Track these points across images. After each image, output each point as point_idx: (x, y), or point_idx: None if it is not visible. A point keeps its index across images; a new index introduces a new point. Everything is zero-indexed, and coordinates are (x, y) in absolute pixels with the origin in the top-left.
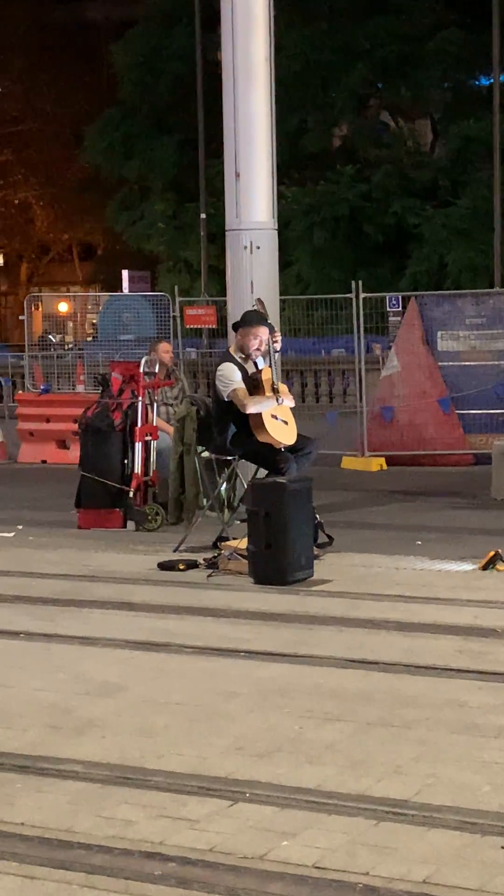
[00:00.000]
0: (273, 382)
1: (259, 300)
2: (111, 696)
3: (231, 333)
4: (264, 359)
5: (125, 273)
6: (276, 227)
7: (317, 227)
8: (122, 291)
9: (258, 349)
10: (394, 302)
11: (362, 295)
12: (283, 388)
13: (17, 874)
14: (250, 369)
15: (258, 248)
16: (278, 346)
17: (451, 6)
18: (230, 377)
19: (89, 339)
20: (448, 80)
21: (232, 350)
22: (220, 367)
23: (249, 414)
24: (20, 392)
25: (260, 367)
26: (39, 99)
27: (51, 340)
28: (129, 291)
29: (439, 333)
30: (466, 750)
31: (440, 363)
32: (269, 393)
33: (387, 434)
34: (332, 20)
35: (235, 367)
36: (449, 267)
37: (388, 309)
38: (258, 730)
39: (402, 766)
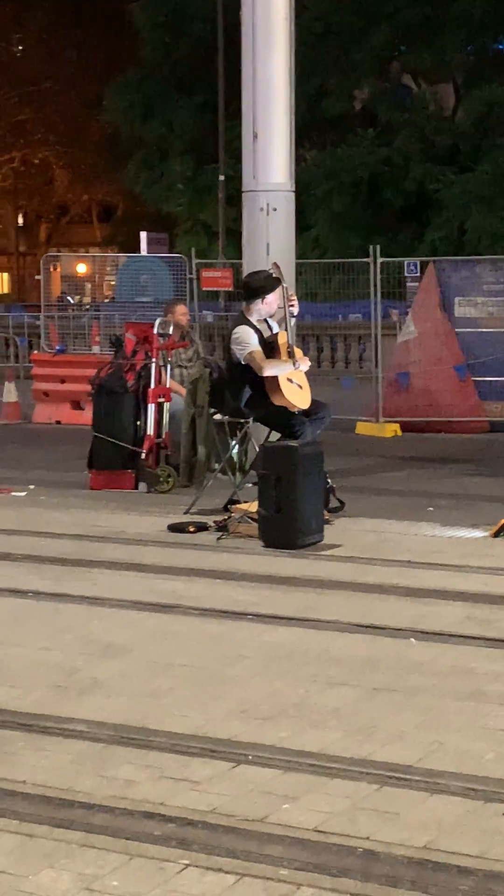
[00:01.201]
0: (289, 346)
1: (275, 264)
2: (117, 658)
3: None
4: (279, 323)
5: (143, 234)
6: (294, 189)
7: (336, 191)
8: (140, 253)
9: (279, 307)
10: (412, 267)
11: (380, 260)
12: (298, 351)
13: (17, 832)
14: (266, 333)
15: (275, 209)
16: (295, 309)
17: None
18: (247, 340)
19: (107, 300)
20: (471, 43)
21: (247, 313)
22: (235, 330)
23: (265, 377)
24: (35, 352)
25: (275, 331)
26: (60, 58)
27: (69, 301)
28: (147, 253)
29: (456, 300)
30: (472, 717)
31: (457, 329)
32: (284, 357)
33: (402, 400)
34: None
35: (252, 330)
36: (468, 233)
37: (406, 274)
38: (263, 693)
39: (406, 732)
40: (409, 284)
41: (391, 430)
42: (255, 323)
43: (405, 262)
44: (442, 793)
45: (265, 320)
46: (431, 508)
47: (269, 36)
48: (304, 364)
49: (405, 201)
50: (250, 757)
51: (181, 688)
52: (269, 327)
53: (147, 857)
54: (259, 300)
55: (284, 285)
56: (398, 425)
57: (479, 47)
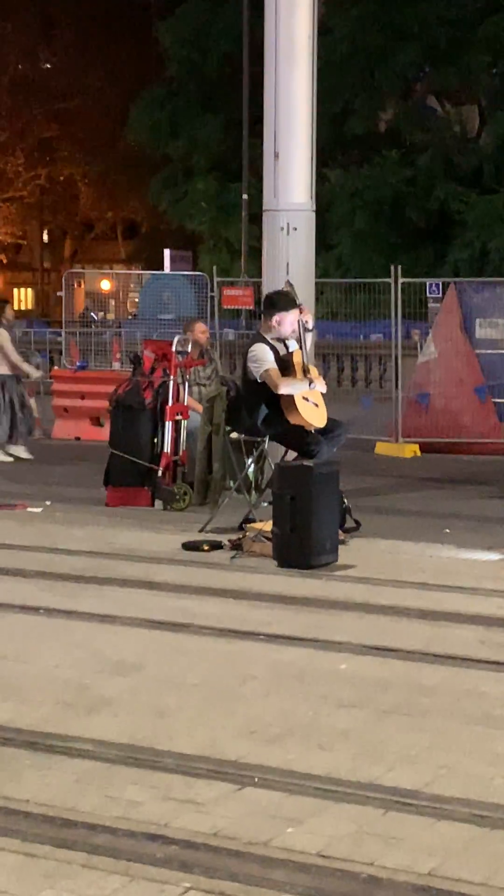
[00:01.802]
0: (304, 365)
1: (289, 282)
2: (127, 675)
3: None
4: (296, 341)
5: (167, 252)
6: (314, 208)
7: (359, 211)
8: (163, 270)
9: (293, 331)
10: (433, 288)
11: (401, 280)
12: (313, 370)
13: (19, 851)
14: (282, 351)
15: (295, 229)
16: (310, 324)
17: None
18: (263, 357)
19: (130, 317)
20: (497, 65)
21: (264, 331)
22: (252, 348)
23: (281, 395)
24: (56, 368)
25: (291, 350)
26: (88, 75)
27: (92, 318)
28: (171, 270)
29: (478, 321)
30: (481, 741)
31: (478, 351)
32: (300, 375)
33: (421, 420)
34: (382, 2)
35: (268, 348)
36: (491, 254)
37: (428, 295)
38: (272, 714)
39: (414, 756)
40: (430, 305)
41: (410, 450)
42: (272, 341)
43: (427, 283)
44: (449, 818)
45: (282, 341)
46: (448, 530)
47: (292, 57)
48: (321, 385)
49: (428, 221)
50: (256, 779)
51: (190, 707)
52: (286, 346)
53: (148, 880)
54: (272, 319)
55: (299, 303)
56: (417, 446)
57: None
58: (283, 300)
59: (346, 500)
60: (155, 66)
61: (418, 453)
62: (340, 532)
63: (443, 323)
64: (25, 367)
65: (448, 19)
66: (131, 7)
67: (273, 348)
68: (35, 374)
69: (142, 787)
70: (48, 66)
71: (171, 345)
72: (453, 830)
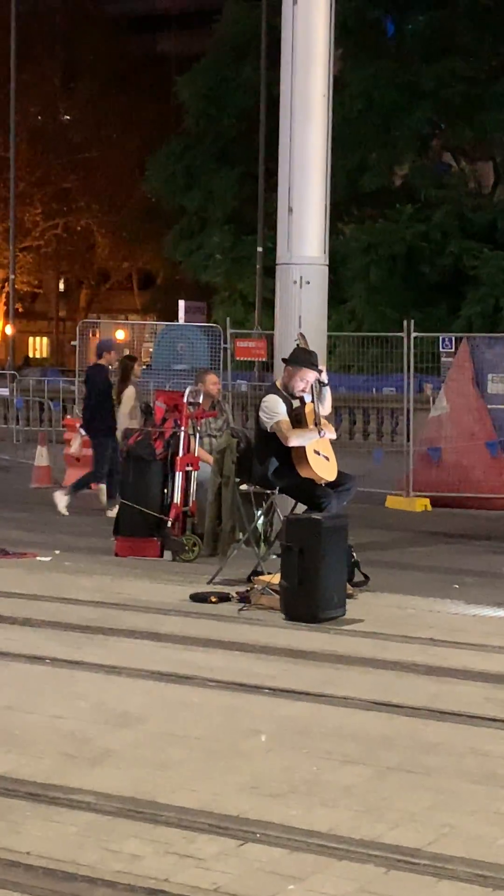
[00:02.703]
0: (315, 416)
1: (301, 335)
2: (130, 727)
3: (279, 366)
4: (309, 395)
5: (181, 303)
6: (327, 262)
7: (374, 265)
8: (178, 321)
9: (303, 390)
10: (446, 342)
11: (414, 334)
12: (323, 420)
13: None
14: (295, 404)
15: (308, 282)
16: (324, 377)
17: None
18: (275, 409)
19: (144, 367)
20: None
21: (279, 383)
22: (264, 399)
23: (292, 447)
24: (69, 417)
25: (304, 403)
26: (106, 127)
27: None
28: (185, 321)
29: (490, 376)
30: (485, 800)
31: (490, 406)
32: (311, 426)
33: (433, 474)
34: (398, 59)
35: (280, 400)
36: None
37: (441, 349)
38: (275, 769)
39: (417, 814)
40: (443, 359)
41: (421, 504)
42: (286, 394)
43: (440, 337)
44: (451, 878)
45: (294, 395)
46: (457, 585)
47: (307, 113)
48: (330, 432)
49: (441, 277)
50: (258, 835)
51: (193, 760)
52: (302, 400)
53: None
54: (290, 373)
55: (320, 369)
56: (428, 500)
57: None
58: (304, 358)
59: (354, 554)
60: (172, 119)
61: (429, 508)
62: (349, 586)
63: (455, 377)
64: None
65: (463, 77)
66: (150, 61)
67: (286, 400)
68: None
69: (143, 841)
70: (67, 117)
71: (182, 396)
72: (455, 890)
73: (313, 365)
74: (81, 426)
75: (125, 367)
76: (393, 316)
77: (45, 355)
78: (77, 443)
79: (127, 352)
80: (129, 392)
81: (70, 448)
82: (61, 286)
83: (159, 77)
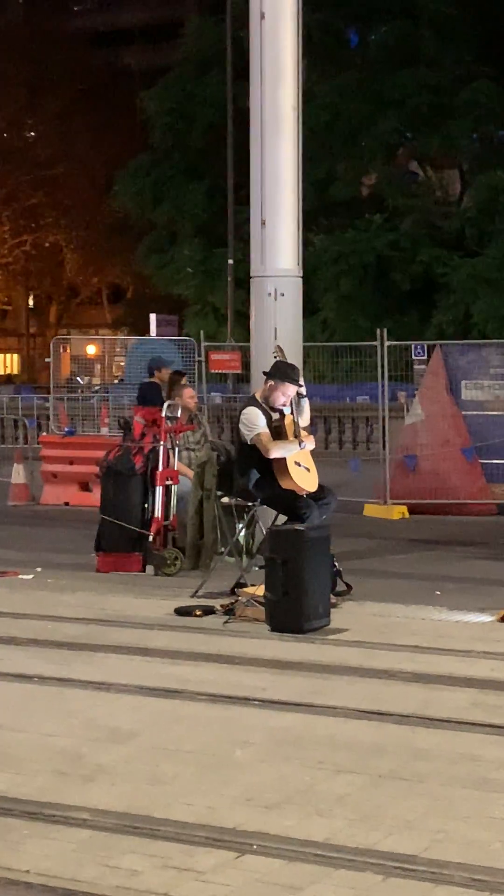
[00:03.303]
0: (295, 427)
1: (279, 347)
2: (122, 743)
3: (255, 379)
4: (288, 407)
5: (153, 317)
6: (301, 274)
7: (344, 275)
8: (149, 335)
9: (284, 404)
10: (419, 350)
11: (387, 343)
12: (303, 431)
13: None
14: (274, 416)
15: (282, 294)
16: (303, 390)
17: (482, 59)
18: (254, 421)
19: (116, 381)
20: (478, 131)
21: (258, 395)
22: (244, 412)
23: (273, 459)
24: (44, 434)
25: (284, 415)
26: (73, 143)
27: (78, 382)
28: (157, 335)
29: (463, 382)
30: (478, 805)
31: (464, 412)
32: (290, 437)
33: (409, 482)
34: (364, 71)
35: (260, 412)
36: (475, 317)
37: (414, 357)
38: (269, 780)
39: (412, 821)
40: (416, 367)
41: (399, 512)
42: (265, 406)
43: (412, 345)
44: (447, 883)
45: (274, 408)
46: (439, 592)
47: (277, 126)
48: (310, 442)
49: (412, 285)
50: (255, 846)
51: (186, 774)
52: (281, 413)
53: None
54: (270, 386)
55: (300, 383)
56: (405, 507)
57: (484, 134)
58: (285, 372)
59: (336, 564)
60: (139, 133)
61: (406, 515)
62: (332, 596)
63: (429, 385)
64: None
65: (429, 86)
66: (115, 76)
67: (265, 412)
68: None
69: (141, 856)
70: (33, 133)
71: (160, 410)
72: (452, 895)
73: (295, 380)
74: None
75: (173, 382)
76: (365, 325)
77: (16, 372)
78: None
79: (174, 369)
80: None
81: None
82: (31, 302)
83: (125, 92)
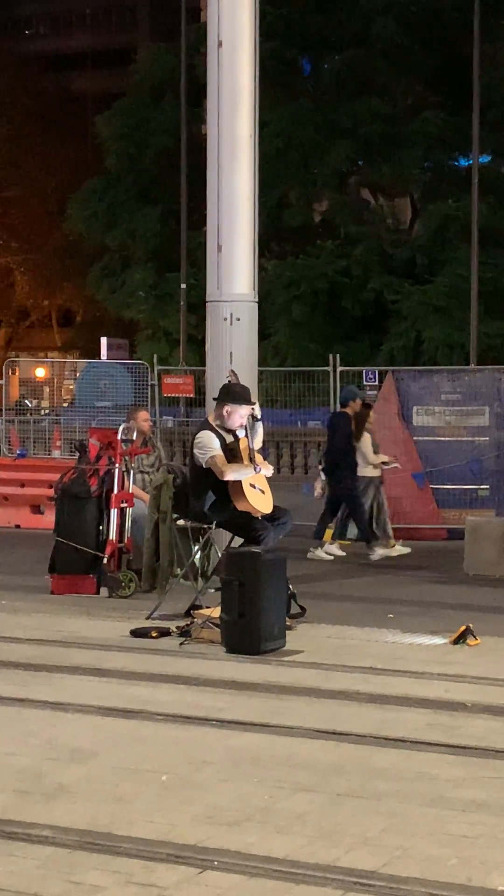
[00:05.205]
0: (250, 451)
1: (233, 371)
2: (83, 763)
3: (209, 403)
4: (242, 430)
5: (104, 340)
6: (257, 299)
7: (296, 301)
8: (100, 358)
9: (240, 426)
10: (370, 376)
11: (339, 368)
12: (258, 456)
13: None
14: (228, 439)
15: (238, 319)
16: (257, 412)
17: (433, 88)
18: (209, 444)
19: (66, 404)
20: (428, 159)
21: (211, 419)
22: (198, 435)
23: (228, 482)
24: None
25: (238, 438)
26: (24, 165)
27: (27, 405)
28: (108, 359)
29: (415, 408)
30: (435, 823)
31: (415, 438)
32: (246, 461)
33: None
34: (316, 99)
35: (214, 436)
36: (426, 343)
37: (365, 383)
38: (229, 799)
39: (371, 838)
40: (368, 393)
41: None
42: (219, 429)
43: (364, 371)
44: None
45: (230, 431)
46: (392, 615)
47: (234, 153)
48: (266, 469)
49: (364, 311)
50: (216, 862)
51: (147, 793)
52: (235, 436)
53: None
54: (224, 409)
55: (253, 403)
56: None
57: (435, 163)
58: (238, 393)
59: (290, 586)
60: (92, 157)
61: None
62: (287, 618)
63: (381, 410)
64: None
65: (380, 115)
66: (66, 100)
67: (219, 435)
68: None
69: (104, 872)
70: None
71: (116, 433)
72: None
73: (248, 400)
74: (323, 470)
75: (362, 415)
76: (316, 350)
77: None
78: (319, 486)
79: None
80: (366, 438)
81: (315, 491)
82: None
83: (76, 116)
